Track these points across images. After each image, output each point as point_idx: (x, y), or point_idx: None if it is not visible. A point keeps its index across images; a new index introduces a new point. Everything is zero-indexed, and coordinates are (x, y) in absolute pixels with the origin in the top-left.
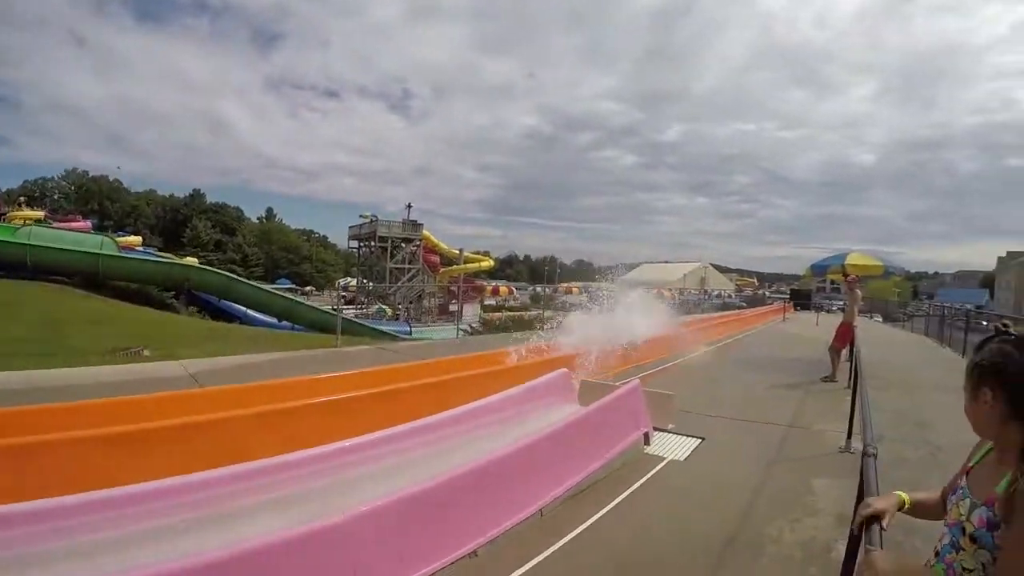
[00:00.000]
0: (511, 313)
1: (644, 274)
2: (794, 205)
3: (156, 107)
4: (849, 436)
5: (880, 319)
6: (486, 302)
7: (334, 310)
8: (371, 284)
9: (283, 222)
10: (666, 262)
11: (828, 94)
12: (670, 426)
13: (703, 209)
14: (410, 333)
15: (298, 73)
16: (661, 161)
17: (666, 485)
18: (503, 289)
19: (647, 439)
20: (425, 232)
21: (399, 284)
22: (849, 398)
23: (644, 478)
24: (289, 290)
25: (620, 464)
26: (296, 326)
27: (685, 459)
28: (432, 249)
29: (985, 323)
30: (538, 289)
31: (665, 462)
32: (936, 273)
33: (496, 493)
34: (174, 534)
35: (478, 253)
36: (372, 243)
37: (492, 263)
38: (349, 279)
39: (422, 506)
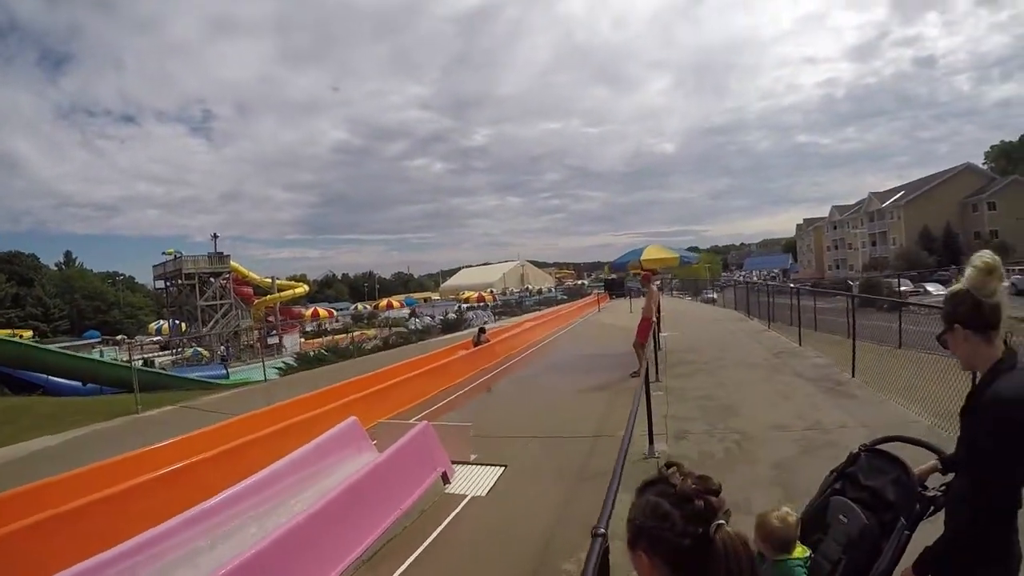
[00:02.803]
0: (329, 338)
1: (464, 279)
2: (604, 196)
3: None
4: (651, 441)
5: (690, 298)
6: (307, 328)
7: (128, 364)
8: (184, 326)
9: (84, 266)
10: (485, 264)
11: (628, 90)
12: (472, 457)
13: (516, 208)
14: (227, 376)
15: (91, 98)
16: (471, 166)
17: (468, 527)
18: (323, 312)
19: (446, 478)
20: (233, 263)
21: (212, 323)
22: (660, 393)
23: (444, 523)
24: (99, 343)
25: (419, 513)
26: (104, 388)
27: (487, 493)
28: (243, 280)
29: (793, 286)
30: (359, 307)
31: (466, 500)
32: (743, 244)
33: (285, 572)
34: None
35: (294, 278)
36: (179, 281)
37: (307, 288)
38: (162, 322)
39: None
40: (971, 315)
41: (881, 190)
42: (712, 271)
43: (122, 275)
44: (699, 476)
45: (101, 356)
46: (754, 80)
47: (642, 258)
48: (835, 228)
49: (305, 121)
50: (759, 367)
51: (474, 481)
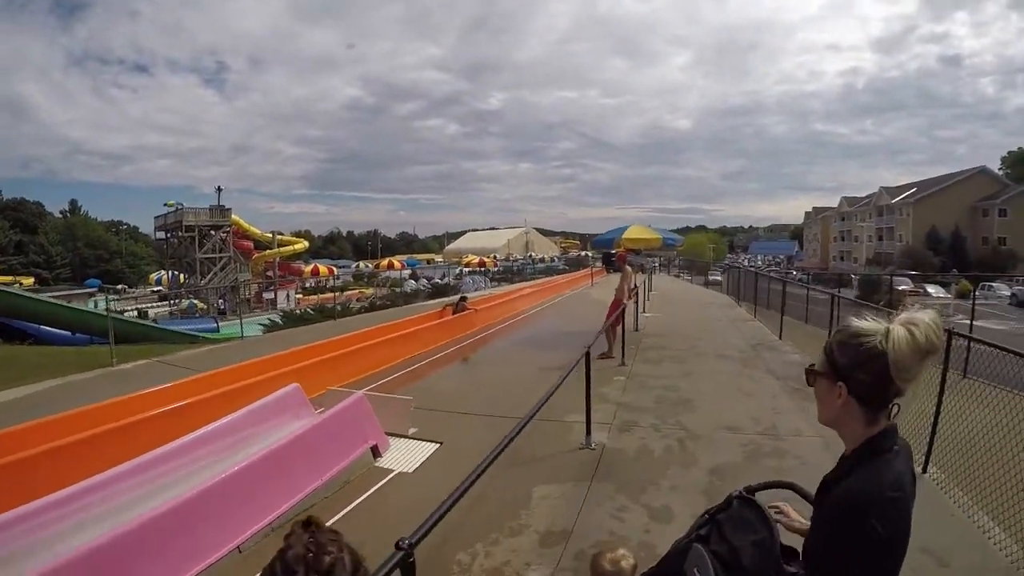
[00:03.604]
0: (319, 296)
1: (469, 242)
2: (615, 168)
3: None
4: (588, 431)
5: (688, 279)
6: (307, 284)
7: (105, 313)
8: (183, 277)
9: (89, 215)
10: (492, 228)
11: (647, 63)
12: (410, 432)
13: (527, 175)
14: (217, 330)
15: (104, 46)
16: (485, 130)
17: (384, 502)
18: (323, 269)
19: (377, 452)
20: (235, 217)
21: (210, 275)
22: (622, 378)
23: (362, 497)
24: (96, 291)
25: (342, 484)
26: (94, 337)
27: (414, 470)
28: (244, 234)
29: (774, 274)
30: (361, 266)
31: (392, 475)
32: (751, 227)
33: (187, 535)
34: None
35: (298, 233)
36: (180, 232)
37: (306, 245)
38: (163, 273)
39: (115, 556)
40: (869, 387)
41: (893, 185)
42: (717, 252)
43: (126, 224)
44: (318, 544)
45: (95, 306)
46: (775, 63)
47: (623, 236)
48: (843, 219)
49: (318, 77)
50: (732, 359)
51: (406, 456)
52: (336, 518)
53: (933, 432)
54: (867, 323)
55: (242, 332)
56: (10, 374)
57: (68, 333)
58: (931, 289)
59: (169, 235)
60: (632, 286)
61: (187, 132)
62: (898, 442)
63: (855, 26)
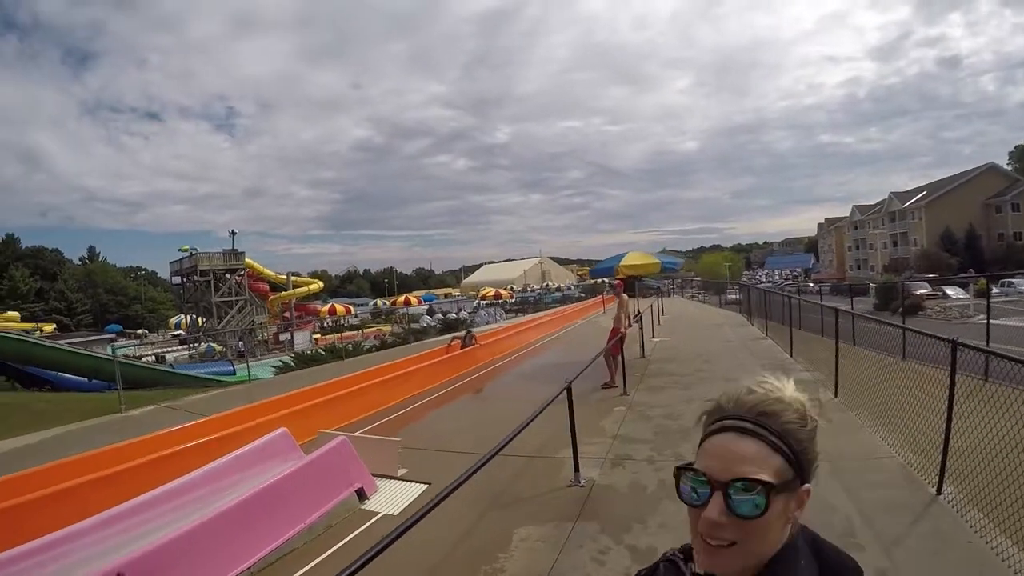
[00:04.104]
0: (334, 336)
1: (486, 275)
2: (625, 194)
3: None
4: (576, 468)
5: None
6: (324, 323)
7: (111, 358)
8: (202, 321)
9: (107, 261)
10: (508, 260)
11: (648, 89)
12: (400, 473)
13: (538, 205)
14: (233, 373)
15: (115, 95)
16: (493, 163)
17: (367, 546)
18: (339, 308)
19: (363, 494)
20: (248, 260)
21: (227, 318)
22: (622, 408)
23: (344, 540)
24: (113, 338)
25: (324, 528)
26: (112, 384)
27: (399, 512)
28: (259, 277)
29: (776, 291)
30: (378, 303)
31: (377, 518)
32: (766, 242)
33: None
34: None
35: (315, 274)
36: (195, 277)
37: (321, 285)
38: (183, 317)
39: None
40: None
41: (903, 190)
42: (733, 270)
43: (144, 270)
44: None
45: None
46: (775, 80)
47: (620, 264)
48: (856, 228)
49: (326, 118)
50: (739, 382)
51: (393, 498)
52: (314, 563)
53: (945, 448)
54: (781, 384)
55: (249, 375)
56: (15, 421)
57: (85, 380)
58: (950, 291)
59: (185, 280)
60: (634, 313)
61: (200, 178)
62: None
63: (851, 37)
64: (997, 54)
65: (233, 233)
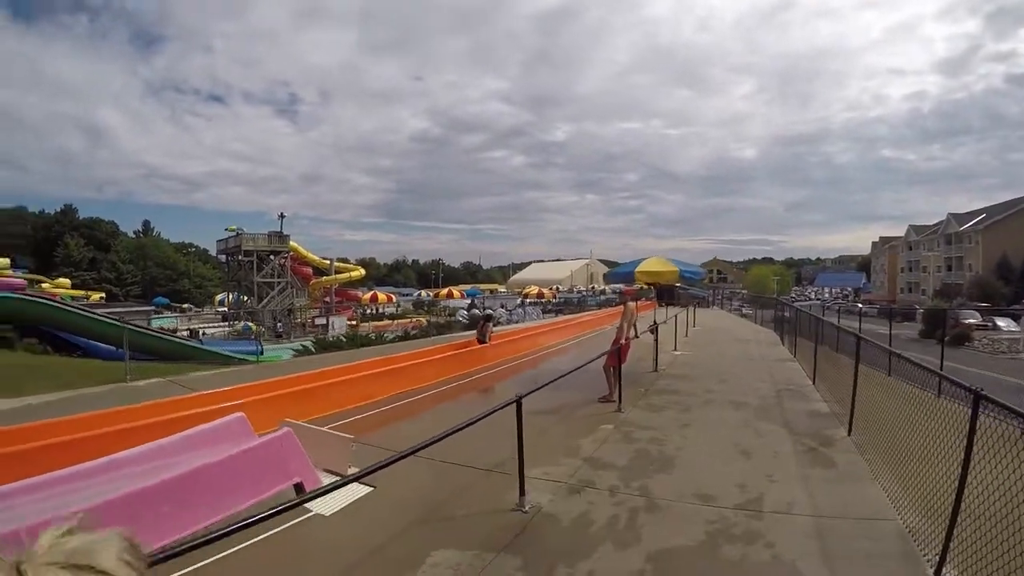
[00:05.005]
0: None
1: (533, 273)
2: (681, 199)
3: (25, 114)
4: (521, 491)
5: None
6: (366, 311)
7: (122, 323)
8: (246, 299)
9: (161, 236)
10: (557, 260)
11: (710, 93)
12: (349, 471)
13: (593, 206)
14: (260, 352)
15: (180, 77)
16: (550, 161)
17: (284, 545)
18: (382, 296)
19: (301, 489)
20: (293, 243)
21: (267, 299)
22: (609, 427)
23: (262, 536)
24: (165, 308)
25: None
26: (139, 354)
27: (331, 514)
28: (303, 260)
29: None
30: (423, 294)
31: (307, 516)
32: (818, 259)
33: None
34: None
35: (362, 261)
36: (239, 256)
37: (362, 272)
38: (227, 294)
39: None
40: None
41: (962, 211)
42: (782, 284)
43: (195, 247)
44: None
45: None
46: (840, 90)
47: (637, 270)
48: (910, 249)
49: (386, 109)
50: (747, 407)
51: (332, 498)
52: (224, 554)
53: (953, 521)
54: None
55: (259, 356)
56: (28, 382)
57: (114, 348)
58: (1000, 322)
59: (229, 258)
60: (633, 322)
61: (259, 160)
62: None
63: (918, 49)
64: None
65: (282, 216)
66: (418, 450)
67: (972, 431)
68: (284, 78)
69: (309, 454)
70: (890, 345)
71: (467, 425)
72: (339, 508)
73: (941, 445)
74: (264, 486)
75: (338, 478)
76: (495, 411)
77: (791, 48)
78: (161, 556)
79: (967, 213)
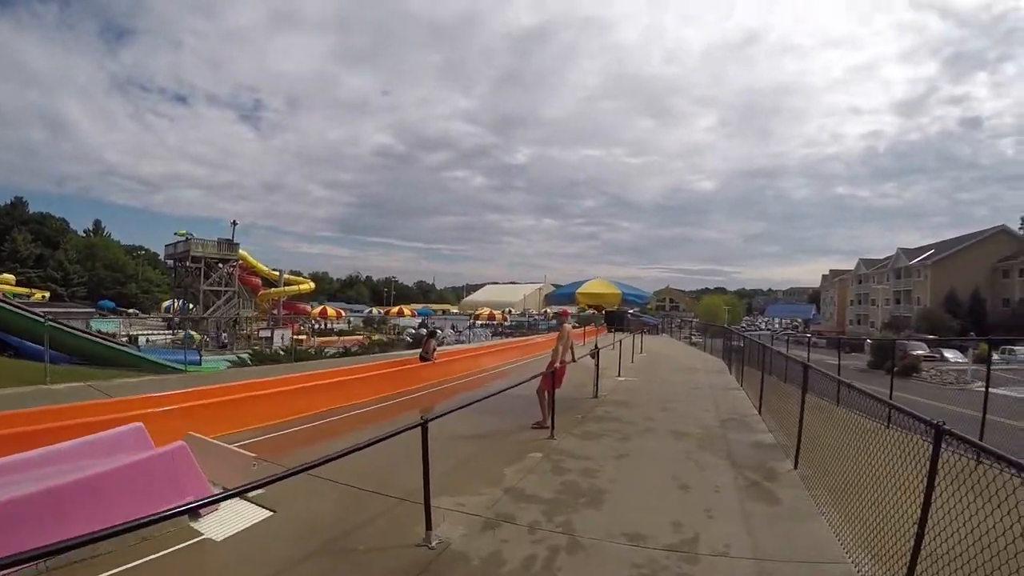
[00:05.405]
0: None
1: (488, 295)
2: (638, 228)
3: None
4: (428, 526)
5: (694, 339)
6: (314, 325)
7: (48, 322)
8: (192, 307)
9: (112, 237)
10: (512, 283)
11: (674, 124)
12: (252, 493)
13: (550, 231)
14: (199, 363)
15: (147, 74)
16: (510, 183)
17: (165, 571)
18: (331, 312)
19: (193, 510)
20: (243, 252)
21: (213, 308)
22: (538, 455)
23: (142, 560)
24: (111, 311)
25: (139, 540)
26: (72, 357)
27: (222, 539)
28: (252, 270)
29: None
30: (374, 311)
31: (197, 539)
32: (770, 290)
33: None
34: None
35: (315, 275)
36: (187, 263)
37: (312, 286)
38: (175, 301)
39: None
40: None
41: (912, 247)
42: (733, 314)
43: (144, 250)
44: None
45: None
46: (799, 126)
47: (579, 291)
48: (860, 282)
49: (352, 121)
50: (690, 437)
51: (227, 521)
52: None
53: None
54: None
55: (187, 366)
56: None
57: (41, 349)
58: (948, 354)
59: (177, 264)
60: (570, 345)
61: (219, 165)
62: None
63: (877, 89)
64: (1019, 118)
65: (234, 223)
66: (309, 468)
67: (934, 468)
68: (251, 83)
69: (208, 471)
70: (839, 375)
71: (366, 445)
72: (233, 533)
73: (893, 480)
74: (151, 502)
75: (243, 499)
76: (397, 433)
77: (754, 82)
78: None
79: (916, 248)
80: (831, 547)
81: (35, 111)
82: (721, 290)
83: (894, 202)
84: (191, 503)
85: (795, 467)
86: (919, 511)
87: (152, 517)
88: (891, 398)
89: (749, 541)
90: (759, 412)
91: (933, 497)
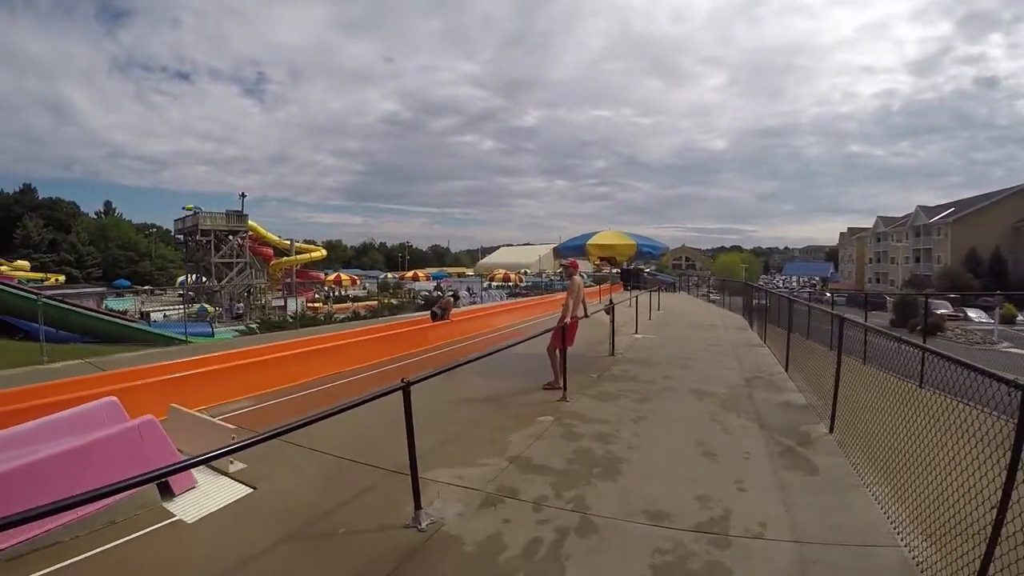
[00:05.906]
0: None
1: (502, 257)
2: (650, 187)
3: None
4: (417, 505)
5: (711, 297)
6: (328, 291)
7: (43, 300)
8: (206, 280)
9: (123, 217)
10: (527, 244)
11: (682, 84)
12: (231, 469)
13: (562, 192)
14: (211, 334)
15: (147, 53)
16: (520, 146)
17: (132, 556)
18: (344, 278)
19: (167, 489)
20: (252, 223)
21: (225, 280)
22: (548, 418)
23: (110, 544)
24: (127, 289)
25: (106, 523)
26: (85, 337)
27: (195, 521)
28: (263, 241)
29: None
30: (388, 276)
31: (169, 521)
32: (787, 248)
33: None
34: None
35: (329, 243)
36: (196, 237)
37: (324, 253)
38: (188, 276)
39: None
40: None
41: (930, 205)
42: (750, 272)
43: (156, 227)
44: None
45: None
46: (810, 85)
47: (589, 243)
48: (879, 240)
49: (356, 90)
50: (713, 397)
51: (203, 500)
52: (57, 567)
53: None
54: None
55: (187, 337)
56: None
57: (52, 331)
58: (972, 313)
59: (188, 239)
60: (581, 299)
61: (226, 140)
62: None
63: (890, 48)
64: None
65: (243, 195)
66: (281, 434)
67: (1021, 438)
68: (253, 56)
69: (186, 445)
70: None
71: (340, 411)
72: (206, 514)
73: (946, 450)
74: (111, 482)
75: (224, 475)
76: (375, 398)
77: (763, 42)
78: None
79: (935, 207)
80: (879, 526)
81: (37, 97)
82: (737, 248)
83: (909, 160)
84: (132, 480)
85: (831, 431)
86: (994, 491)
87: (83, 496)
88: (923, 360)
89: (787, 519)
90: (786, 370)
91: (1018, 474)
